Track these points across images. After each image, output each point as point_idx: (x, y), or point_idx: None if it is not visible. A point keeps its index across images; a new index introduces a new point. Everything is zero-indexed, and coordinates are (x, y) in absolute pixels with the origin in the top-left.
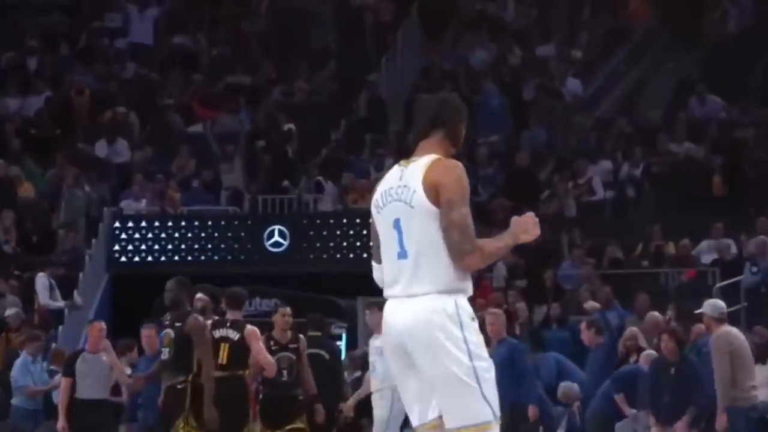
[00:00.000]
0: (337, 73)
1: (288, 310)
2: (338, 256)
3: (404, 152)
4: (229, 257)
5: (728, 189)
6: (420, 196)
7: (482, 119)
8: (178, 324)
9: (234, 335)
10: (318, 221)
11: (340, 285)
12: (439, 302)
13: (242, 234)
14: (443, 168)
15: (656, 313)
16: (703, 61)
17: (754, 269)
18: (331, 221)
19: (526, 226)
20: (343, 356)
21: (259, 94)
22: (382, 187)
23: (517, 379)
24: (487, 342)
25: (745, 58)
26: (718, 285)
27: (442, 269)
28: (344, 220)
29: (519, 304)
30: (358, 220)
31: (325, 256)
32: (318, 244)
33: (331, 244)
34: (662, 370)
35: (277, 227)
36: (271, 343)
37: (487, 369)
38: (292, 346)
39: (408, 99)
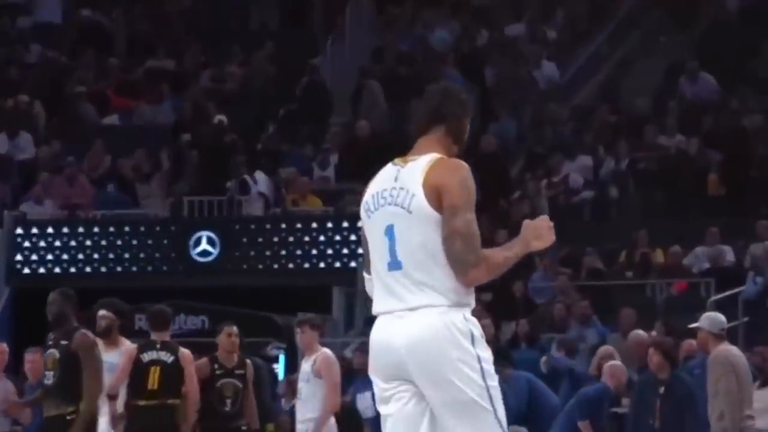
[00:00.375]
0: (275, 57)
1: (235, 329)
2: (276, 266)
3: (352, 146)
4: (150, 268)
5: (726, 188)
6: (420, 201)
7: None
8: (64, 342)
9: (167, 357)
10: (252, 226)
11: (278, 300)
12: (447, 317)
13: (165, 241)
14: (446, 169)
15: (641, 332)
16: (698, 41)
17: (758, 279)
18: (268, 226)
19: (539, 232)
20: (281, 378)
21: (185, 81)
22: (373, 189)
23: None
24: None
25: (747, 38)
26: (713, 298)
27: (445, 280)
28: (283, 225)
29: (484, 320)
30: (299, 225)
31: (260, 266)
32: (252, 253)
33: (268, 253)
34: (649, 389)
35: (204, 233)
36: (215, 366)
37: (497, 387)
38: (238, 372)
39: (357, 86)
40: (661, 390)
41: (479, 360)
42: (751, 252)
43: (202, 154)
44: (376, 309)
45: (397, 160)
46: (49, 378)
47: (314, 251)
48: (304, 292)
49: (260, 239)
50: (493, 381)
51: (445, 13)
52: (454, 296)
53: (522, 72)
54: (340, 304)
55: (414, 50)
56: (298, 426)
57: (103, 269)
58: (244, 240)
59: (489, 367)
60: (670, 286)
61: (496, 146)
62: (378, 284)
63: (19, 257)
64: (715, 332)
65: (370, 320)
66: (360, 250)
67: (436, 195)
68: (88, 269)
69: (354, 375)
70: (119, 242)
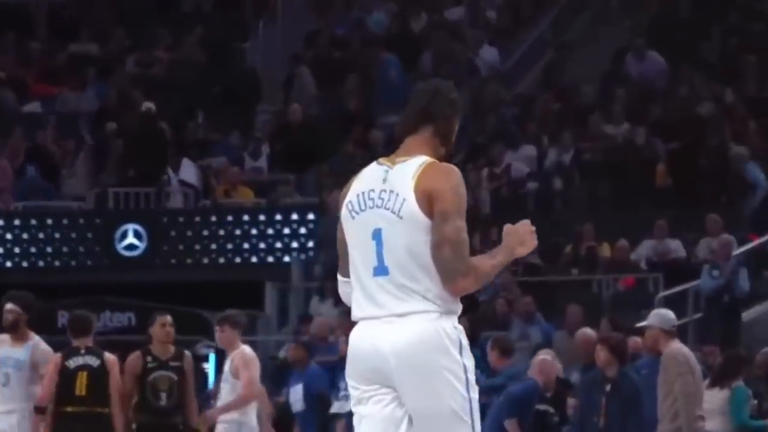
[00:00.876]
0: (204, 41)
1: (169, 319)
2: (205, 261)
3: (284, 135)
4: (74, 263)
5: (674, 180)
6: (411, 206)
7: (379, 95)
8: None
9: (93, 361)
10: (181, 219)
11: (209, 296)
12: (438, 324)
13: (89, 235)
14: (438, 174)
15: (589, 330)
16: (646, 26)
17: (715, 273)
18: (198, 219)
19: (522, 237)
20: (211, 380)
21: (110, 66)
22: (358, 188)
23: None
24: None
25: (697, 23)
26: (662, 294)
27: (433, 288)
28: (213, 218)
29: None
30: (230, 218)
31: (189, 261)
32: (181, 247)
33: (197, 247)
34: (596, 386)
35: (131, 226)
36: (148, 359)
37: (477, 400)
38: (173, 363)
39: (289, 72)
40: (608, 388)
41: (465, 370)
42: (704, 245)
43: (129, 143)
44: (357, 314)
45: (382, 160)
46: None
47: (246, 245)
48: (236, 288)
49: (189, 232)
50: (475, 393)
51: None
52: (442, 303)
53: (462, 57)
54: (273, 301)
55: (350, 34)
56: (218, 426)
57: (25, 264)
58: (173, 233)
59: (472, 377)
60: (616, 282)
61: None
62: (359, 288)
63: None
64: (667, 329)
65: (304, 317)
66: (294, 244)
67: (427, 200)
68: (8, 264)
69: (288, 371)
70: (41, 235)
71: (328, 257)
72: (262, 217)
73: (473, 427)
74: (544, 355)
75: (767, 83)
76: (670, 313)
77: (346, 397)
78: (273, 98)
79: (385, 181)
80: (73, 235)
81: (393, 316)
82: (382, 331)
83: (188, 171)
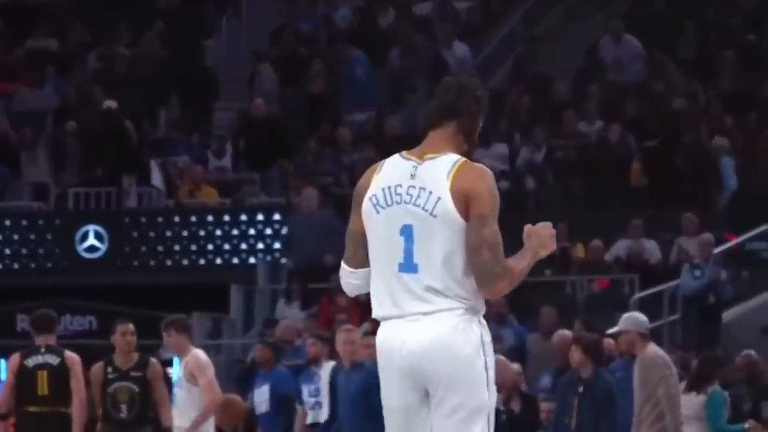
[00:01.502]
0: (165, 37)
1: (130, 327)
2: (169, 263)
3: (247, 131)
4: (33, 265)
5: (649, 178)
6: (447, 206)
7: (346, 92)
8: None
9: (53, 360)
10: (143, 220)
11: (172, 299)
12: (465, 321)
13: (48, 236)
14: (475, 176)
15: (566, 331)
16: (621, 20)
17: (698, 273)
18: (160, 220)
19: (544, 240)
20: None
21: (69, 63)
22: (383, 182)
23: (372, 414)
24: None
25: (673, 18)
26: (637, 295)
27: (460, 287)
28: (176, 218)
29: None
30: (193, 218)
31: (152, 262)
32: (143, 249)
33: (160, 249)
34: (570, 387)
35: (92, 227)
36: (109, 370)
37: (494, 397)
38: (135, 373)
39: (252, 70)
40: (581, 389)
41: (486, 368)
42: (681, 244)
43: (91, 142)
44: (380, 312)
45: (406, 154)
46: None
47: (210, 246)
48: (200, 290)
49: (152, 233)
50: (492, 393)
51: None
52: (469, 302)
53: (431, 53)
54: (239, 303)
55: (316, 30)
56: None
57: None
58: (135, 234)
59: (492, 376)
60: (591, 283)
61: (400, 129)
62: (381, 284)
63: None
64: (642, 331)
65: (269, 322)
66: (260, 246)
67: (464, 201)
68: None
69: (254, 372)
70: None
71: (297, 258)
72: (226, 218)
73: (488, 423)
74: (500, 356)
75: (744, 79)
76: (642, 316)
77: (319, 405)
78: (237, 96)
79: (413, 176)
80: (33, 237)
81: (419, 314)
82: (408, 330)
83: (155, 173)
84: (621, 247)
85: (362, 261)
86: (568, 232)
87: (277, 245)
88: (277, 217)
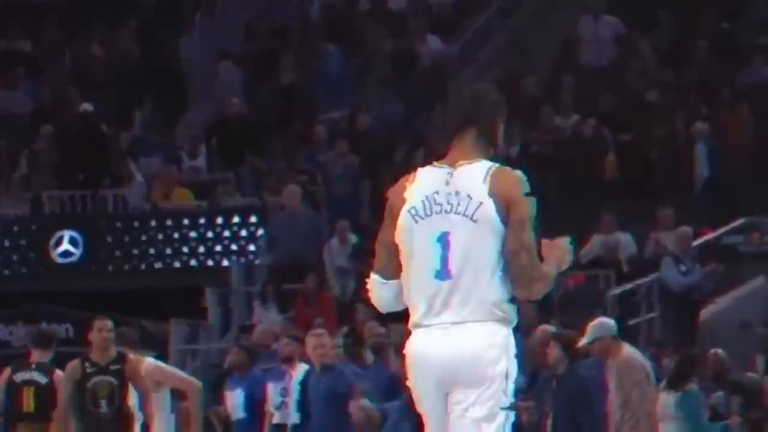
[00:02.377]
0: (139, 34)
1: (108, 323)
2: (143, 267)
3: (219, 129)
4: (6, 271)
5: (623, 171)
6: (489, 211)
7: (321, 89)
8: None
9: (41, 378)
10: (118, 224)
11: (148, 304)
12: (496, 332)
13: (23, 241)
14: (512, 180)
15: (548, 327)
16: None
17: (683, 268)
18: (136, 224)
19: (563, 256)
20: None
21: (43, 64)
22: (421, 192)
23: (341, 416)
24: None
25: (648, 8)
26: (613, 292)
27: (494, 294)
28: (152, 222)
29: (370, 323)
30: (169, 222)
31: (127, 267)
32: (118, 253)
33: (135, 252)
34: (547, 385)
35: (67, 232)
36: (86, 365)
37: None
38: (113, 367)
39: (224, 67)
40: (554, 384)
41: (507, 378)
42: (659, 239)
43: (67, 146)
44: (415, 319)
45: (437, 164)
46: None
47: (185, 249)
48: (175, 295)
49: (127, 238)
50: (511, 408)
51: None
52: (502, 311)
53: (404, 46)
54: (214, 306)
55: (290, 24)
56: None
57: None
58: (109, 239)
59: (513, 387)
60: (566, 279)
61: (369, 125)
62: (417, 293)
63: None
64: (614, 334)
65: (244, 328)
66: (234, 247)
67: (504, 207)
68: None
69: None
70: None
71: (278, 257)
72: (202, 220)
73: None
74: None
75: (717, 69)
76: (608, 320)
77: (285, 405)
78: (210, 94)
79: (448, 183)
80: (6, 242)
81: (453, 323)
82: (442, 339)
83: (137, 173)
84: (595, 243)
85: (395, 272)
86: (544, 227)
87: (252, 247)
88: (252, 219)
